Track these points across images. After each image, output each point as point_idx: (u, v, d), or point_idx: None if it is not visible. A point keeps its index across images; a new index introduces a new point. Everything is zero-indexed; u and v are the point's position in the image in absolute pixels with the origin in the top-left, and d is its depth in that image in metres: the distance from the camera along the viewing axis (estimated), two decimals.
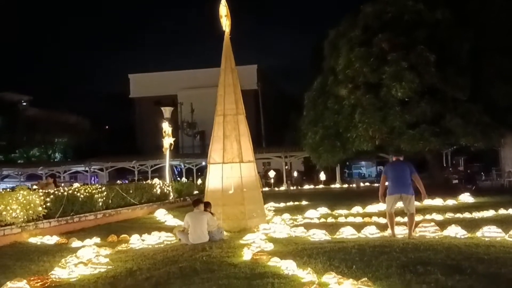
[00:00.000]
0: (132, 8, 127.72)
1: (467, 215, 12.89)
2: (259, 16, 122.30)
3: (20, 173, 47.80)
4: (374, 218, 12.87)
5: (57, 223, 13.11)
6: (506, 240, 8.69)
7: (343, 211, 15.36)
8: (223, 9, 13.18)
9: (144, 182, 22.07)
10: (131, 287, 6.41)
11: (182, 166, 46.21)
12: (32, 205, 12.17)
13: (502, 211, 13.13)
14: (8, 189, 16.69)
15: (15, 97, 59.79)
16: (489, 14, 22.13)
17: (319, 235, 10.04)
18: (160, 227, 13.69)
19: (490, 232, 9.16)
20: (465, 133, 21.07)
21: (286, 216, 14.51)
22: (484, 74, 21.37)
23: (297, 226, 12.08)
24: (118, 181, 32.94)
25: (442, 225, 10.32)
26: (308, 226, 11.77)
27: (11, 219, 11.45)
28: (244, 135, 13.00)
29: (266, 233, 10.87)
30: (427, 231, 9.70)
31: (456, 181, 28.51)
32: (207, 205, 11.16)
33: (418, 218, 11.59)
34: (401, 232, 9.92)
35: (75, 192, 14.46)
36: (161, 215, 16.90)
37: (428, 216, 12.59)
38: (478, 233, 9.35)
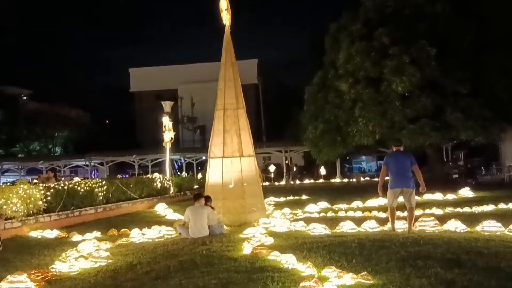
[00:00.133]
0: (132, 2, 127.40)
1: (467, 209, 12.90)
2: (259, 10, 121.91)
3: (20, 167, 47.86)
4: (374, 213, 12.88)
5: (57, 217, 13.14)
6: (506, 234, 8.71)
7: (343, 206, 15.38)
8: (224, 3, 13.13)
9: (145, 176, 22.09)
10: (132, 280, 6.42)
11: (182, 161, 46.25)
12: (32, 199, 12.19)
13: (502, 206, 13.14)
14: (8, 183, 16.70)
15: (16, 91, 59.70)
16: (490, 8, 22.07)
17: (319, 229, 10.05)
18: (160, 221, 13.71)
19: (490, 227, 9.17)
20: (465, 127, 21.05)
21: (286, 210, 14.53)
22: (485, 68, 21.32)
23: (297, 220, 12.10)
24: (119, 175, 33.01)
25: (442, 219, 10.33)
26: (308, 220, 11.79)
27: (11, 213, 11.47)
28: (244, 129, 13.00)
29: (266, 227, 10.88)
30: (427, 225, 9.71)
31: (456, 175, 28.56)
32: (208, 199, 11.17)
33: (418, 212, 11.61)
34: (401, 226, 9.93)
35: (76, 186, 14.48)
36: (162, 209, 16.93)
37: (428, 211, 12.60)
38: (478, 228, 9.36)
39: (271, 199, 18.73)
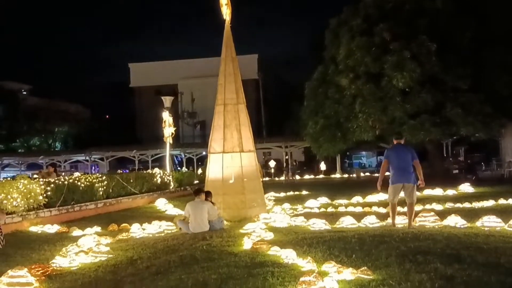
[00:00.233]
0: None
1: (467, 205, 12.92)
2: (260, 5, 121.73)
3: (20, 162, 47.88)
4: (374, 208, 12.89)
5: (57, 212, 13.16)
6: (506, 230, 8.72)
7: (343, 201, 15.39)
8: None
9: (145, 172, 22.10)
10: (132, 275, 6.43)
11: (183, 156, 46.27)
12: (32, 194, 12.20)
13: (502, 201, 13.15)
14: (8, 178, 16.70)
15: (15, 86, 59.65)
16: (490, 4, 22.01)
17: (319, 225, 10.06)
18: (160, 216, 13.73)
19: (490, 222, 9.18)
20: (465, 123, 21.03)
21: (286, 205, 14.53)
22: (485, 64, 21.28)
23: (297, 215, 12.12)
24: (119, 171, 33.01)
25: (442, 215, 10.34)
26: (308, 215, 11.79)
27: (11, 208, 11.48)
28: (244, 125, 12.99)
29: (266, 223, 10.90)
30: (427, 220, 9.71)
31: (457, 171, 28.56)
32: (208, 194, 11.17)
33: (418, 208, 11.61)
34: (401, 221, 9.94)
35: (76, 181, 14.48)
36: (162, 204, 16.94)
37: (428, 206, 12.61)
38: (478, 223, 9.37)
39: (271, 194, 18.75)
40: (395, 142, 10.27)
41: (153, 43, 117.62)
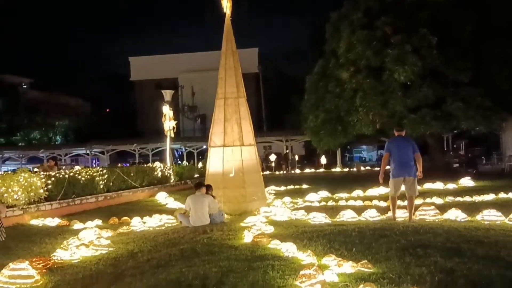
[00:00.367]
0: None
1: (467, 198, 12.92)
2: None
3: (21, 155, 47.91)
4: (375, 202, 12.89)
5: (58, 206, 13.18)
6: (506, 224, 8.73)
7: (344, 195, 15.40)
8: None
9: (145, 165, 22.10)
10: (133, 268, 6.45)
11: (183, 150, 46.30)
12: (33, 187, 12.21)
13: (502, 195, 13.15)
14: (9, 172, 16.72)
15: (16, 80, 59.61)
16: None
17: (319, 218, 10.07)
18: (161, 209, 13.74)
19: (490, 216, 9.18)
20: (466, 117, 21.01)
21: (287, 199, 14.54)
22: (486, 57, 21.25)
23: (297, 209, 12.13)
24: (119, 164, 33.03)
25: (442, 208, 10.35)
26: (308, 209, 11.81)
27: (12, 201, 11.50)
28: (245, 118, 12.98)
29: (266, 216, 10.91)
30: (427, 214, 9.72)
31: (457, 165, 28.57)
32: (209, 188, 11.18)
33: (418, 201, 11.62)
34: (401, 215, 9.94)
35: (76, 175, 14.49)
36: (162, 198, 16.96)
37: (428, 200, 12.62)
38: (478, 217, 9.38)
39: (272, 188, 18.76)
40: (396, 134, 10.20)
41: (154, 37, 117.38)
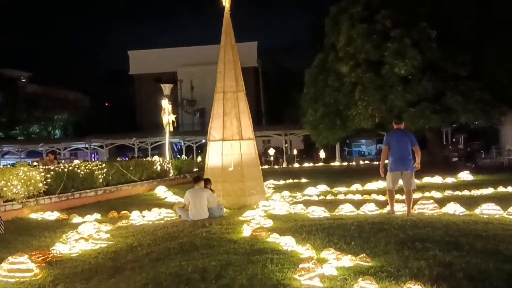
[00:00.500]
0: None
1: (466, 192, 12.95)
2: None
3: (20, 149, 47.86)
4: (373, 196, 12.91)
5: (57, 199, 13.19)
6: (504, 217, 8.74)
7: (343, 189, 15.42)
8: None
9: (144, 159, 22.12)
10: (132, 262, 6.46)
11: (182, 144, 46.26)
12: (32, 181, 12.22)
13: (501, 189, 13.17)
14: (8, 166, 16.71)
15: (15, 73, 59.45)
16: None
17: (318, 212, 10.09)
18: (160, 203, 13.77)
19: (489, 210, 9.20)
20: (465, 111, 20.98)
21: (286, 193, 14.57)
22: (486, 51, 21.21)
23: (296, 203, 12.15)
24: (118, 158, 33.03)
25: (441, 202, 10.37)
26: (307, 203, 11.82)
27: (12, 195, 11.51)
28: (244, 113, 12.97)
29: (265, 210, 10.93)
30: (426, 208, 9.74)
31: (456, 159, 28.57)
32: (207, 182, 11.19)
33: (417, 195, 11.65)
34: (400, 209, 9.96)
35: (76, 169, 14.50)
36: (161, 192, 16.99)
37: (427, 194, 12.63)
38: (477, 211, 9.39)
39: (271, 182, 18.78)
40: (394, 127, 10.12)
41: (153, 31, 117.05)
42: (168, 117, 22.28)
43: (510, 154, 26.42)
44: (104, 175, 15.85)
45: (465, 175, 17.93)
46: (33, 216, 11.63)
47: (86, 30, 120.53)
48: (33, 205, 12.15)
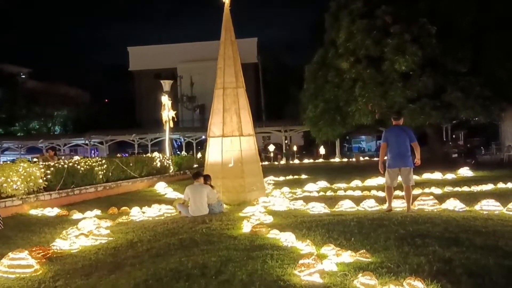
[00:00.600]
0: None
1: (465, 188, 12.95)
2: None
3: (20, 146, 47.84)
4: (373, 192, 12.92)
5: (57, 195, 13.20)
6: (504, 213, 8.75)
7: (342, 185, 15.42)
8: None
9: (144, 155, 22.12)
10: (132, 258, 6.47)
11: (182, 140, 46.27)
12: (32, 177, 12.22)
13: (501, 185, 13.17)
14: (8, 162, 16.72)
15: (14, 69, 59.34)
16: None
17: (318, 208, 10.10)
18: (160, 199, 13.78)
19: (489, 206, 9.21)
20: (465, 107, 20.99)
21: (286, 189, 14.58)
22: (485, 47, 21.19)
23: (296, 199, 12.16)
24: (118, 154, 33.03)
25: (441, 198, 10.36)
26: (307, 199, 11.84)
27: (12, 191, 11.51)
28: (244, 109, 12.96)
29: (265, 206, 10.93)
30: (426, 204, 9.74)
31: (456, 155, 28.59)
32: (207, 178, 11.19)
33: (417, 191, 11.66)
34: (400, 205, 9.95)
35: (76, 165, 14.50)
36: (161, 188, 16.99)
37: (427, 190, 12.62)
38: (477, 207, 9.40)
39: (271, 178, 18.80)
40: (393, 123, 10.03)
41: (153, 27, 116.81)
42: (168, 113, 22.28)
43: (510, 150, 26.42)
44: (104, 171, 15.85)
45: (465, 171, 17.94)
46: (33, 212, 11.64)
47: (86, 27, 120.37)
48: (33, 201, 12.16)
